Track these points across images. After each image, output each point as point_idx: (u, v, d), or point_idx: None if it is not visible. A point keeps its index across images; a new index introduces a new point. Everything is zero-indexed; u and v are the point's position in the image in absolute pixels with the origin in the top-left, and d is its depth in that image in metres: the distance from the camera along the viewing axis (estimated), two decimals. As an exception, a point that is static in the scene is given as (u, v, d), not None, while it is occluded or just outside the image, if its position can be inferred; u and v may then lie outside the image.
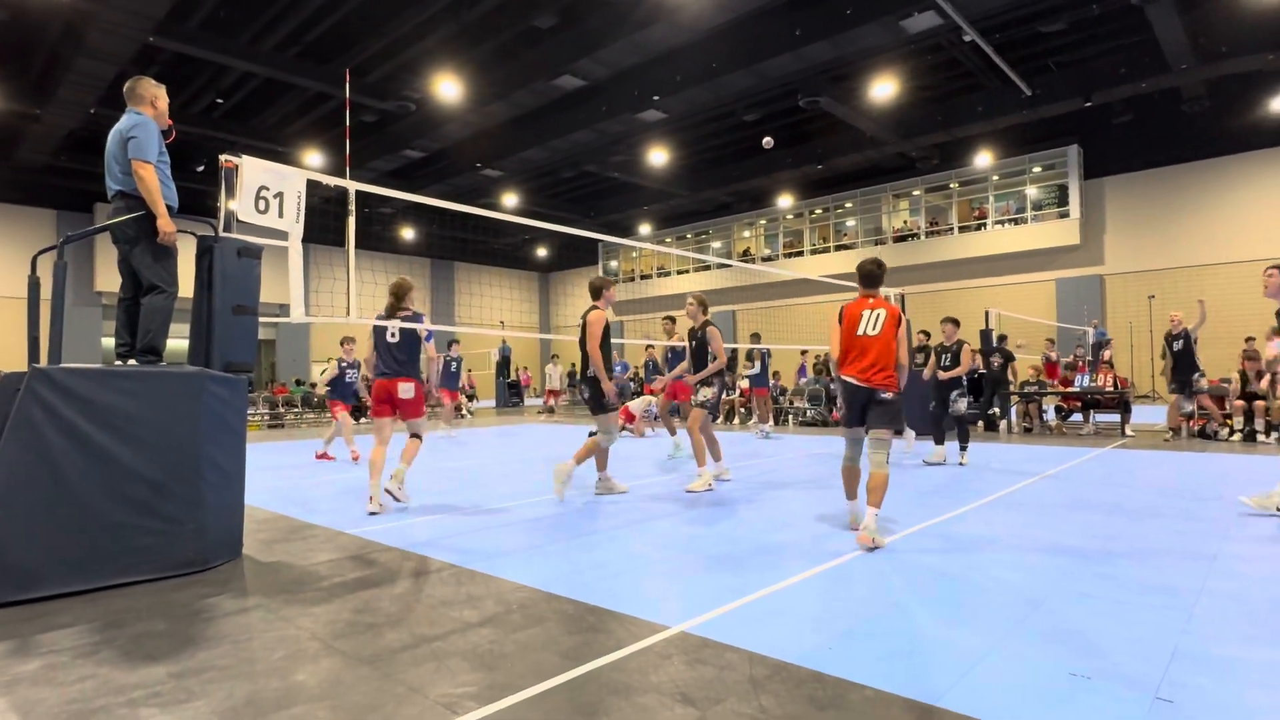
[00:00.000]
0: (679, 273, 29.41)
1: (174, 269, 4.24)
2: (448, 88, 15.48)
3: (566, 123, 18.18)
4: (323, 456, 9.55)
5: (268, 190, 4.18)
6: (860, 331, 4.75)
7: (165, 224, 3.98)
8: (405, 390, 5.77)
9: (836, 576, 3.65)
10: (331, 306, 5.98)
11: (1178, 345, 9.80)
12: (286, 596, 3.48)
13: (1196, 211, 18.83)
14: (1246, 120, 17.52)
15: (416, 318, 5.85)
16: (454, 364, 13.02)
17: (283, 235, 4.48)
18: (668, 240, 29.87)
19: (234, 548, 4.22)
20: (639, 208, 26.35)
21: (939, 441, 8.18)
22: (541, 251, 34.21)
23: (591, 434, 6.34)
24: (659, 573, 3.84)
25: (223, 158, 4.05)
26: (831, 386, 14.70)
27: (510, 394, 23.46)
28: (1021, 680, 2.42)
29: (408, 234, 28.81)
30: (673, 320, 9.43)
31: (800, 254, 25.79)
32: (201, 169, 19.58)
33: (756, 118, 18.46)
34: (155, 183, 3.94)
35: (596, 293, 6.15)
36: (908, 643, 2.76)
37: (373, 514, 5.52)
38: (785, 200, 25.33)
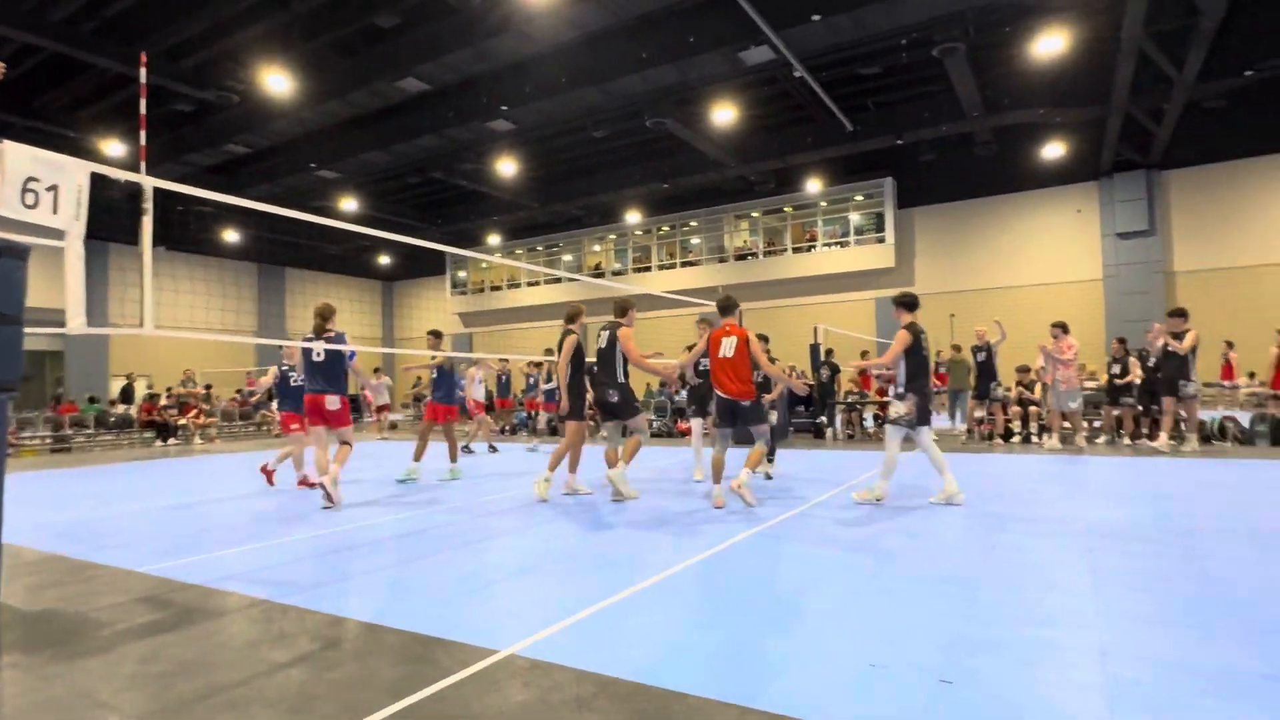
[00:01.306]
0: (530, 285, 29.18)
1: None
2: (277, 81, 14.39)
3: (411, 127, 17.51)
4: (304, 483, 7.80)
5: (38, 182, 3.62)
6: (721, 355, 5.98)
7: None
8: (332, 403, 6.45)
9: (666, 589, 3.74)
10: (126, 316, 5.31)
11: (980, 356, 11.05)
12: (53, 651, 3.01)
13: (987, 241, 21.47)
14: (1026, 164, 20.25)
15: (339, 338, 6.50)
16: None
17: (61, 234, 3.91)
18: (518, 252, 29.53)
19: (-12, 597, 3.61)
20: (488, 218, 25.86)
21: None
22: (384, 259, 32.60)
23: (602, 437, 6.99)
24: (492, 594, 3.74)
25: (-22, 142, 3.47)
26: (674, 399, 15.16)
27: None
28: (830, 675, 2.59)
29: (232, 235, 26.36)
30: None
31: (648, 269, 26.47)
32: (-33, 152, 16.78)
33: (606, 134, 18.75)
34: None
35: (623, 311, 6.72)
36: (730, 648, 2.87)
37: (326, 509, 6.19)
38: (634, 216, 25.91)
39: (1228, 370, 15.32)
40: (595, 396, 6.86)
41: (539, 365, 14.63)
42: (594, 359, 6.84)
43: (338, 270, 31.90)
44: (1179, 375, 9.08)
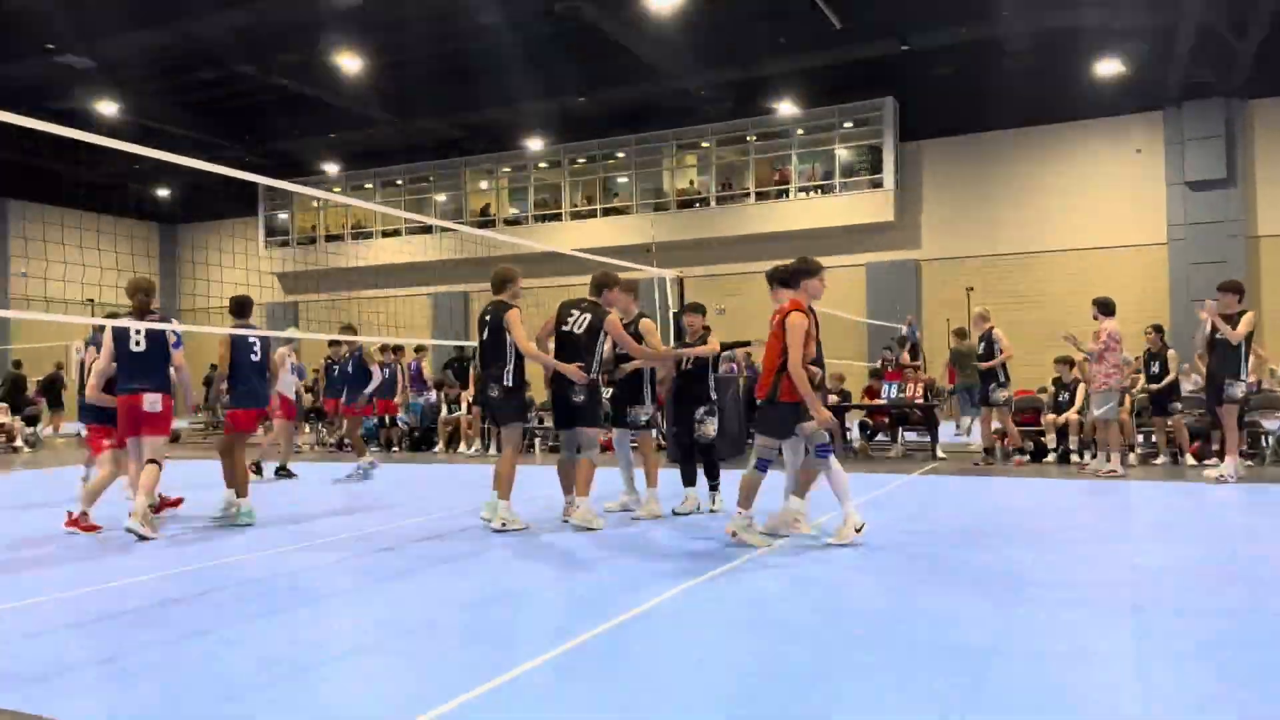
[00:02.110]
0: (385, 234, 28.45)
1: None
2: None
3: (204, -3, 16.88)
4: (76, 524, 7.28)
5: None
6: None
7: None
8: (151, 403, 6.75)
9: (558, 670, 3.74)
10: None
11: (981, 348, 11.39)
12: None
13: (1017, 188, 22.24)
14: (1072, 84, 20.96)
15: (166, 319, 6.96)
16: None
17: None
18: (368, 187, 28.94)
19: None
20: (323, 136, 25.27)
21: (688, 482, 8.01)
22: (162, 191, 31.34)
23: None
24: (309, 685, 3.66)
25: None
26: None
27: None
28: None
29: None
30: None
31: (558, 217, 26.39)
32: None
33: (497, 22, 18.51)
34: None
35: (602, 288, 7.29)
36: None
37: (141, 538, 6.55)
38: (536, 143, 25.74)
39: (1318, 369, 16.40)
40: (552, 394, 7.34)
41: (396, 350, 14.45)
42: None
43: (89, 206, 30.38)
44: (1225, 372, 9.57)
